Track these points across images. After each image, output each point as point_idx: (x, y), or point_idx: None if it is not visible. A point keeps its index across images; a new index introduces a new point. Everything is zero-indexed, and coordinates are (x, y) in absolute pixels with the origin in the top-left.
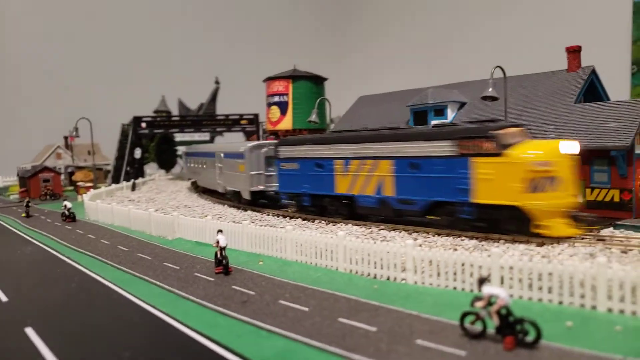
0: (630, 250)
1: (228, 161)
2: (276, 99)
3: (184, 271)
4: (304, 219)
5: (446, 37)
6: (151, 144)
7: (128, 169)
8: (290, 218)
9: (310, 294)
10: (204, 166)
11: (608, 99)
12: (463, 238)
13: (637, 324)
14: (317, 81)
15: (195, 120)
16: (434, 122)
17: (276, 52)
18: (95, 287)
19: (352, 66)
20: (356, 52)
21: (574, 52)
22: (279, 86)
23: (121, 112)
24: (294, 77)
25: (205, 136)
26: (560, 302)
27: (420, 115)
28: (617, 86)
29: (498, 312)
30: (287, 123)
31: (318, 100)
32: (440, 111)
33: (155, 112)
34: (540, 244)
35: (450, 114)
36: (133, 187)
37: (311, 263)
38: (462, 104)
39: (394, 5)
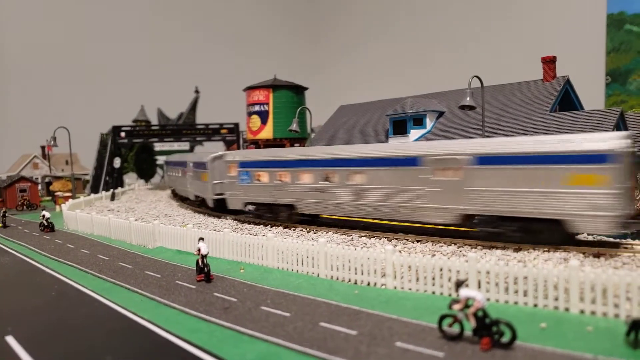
0: (602, 254)
1: (510, 170)
2: (256, 108)
3: (165, 279)
4: (285, 227)
5: (425, 47)
6: (130, 153)
7: (107, 178)
8: (272, 226)
9: (292, 300)
10: (337, 180)
11: (582, 109)
12: (442, 244)
13: (607, 324)
14: (298, 90)
15: (175, 130)
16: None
17: (256, 62)
18: (75, 295)
19: (332, 76)
20: (336, 62)
21: (549, 63)
22: (259, 95)
23: (100, 121)
24: (275, 86)
25: (185, 146)
26: (535, 305)
27: (399, 125)
28: (592, 96)
29: (475, 314)
30: (267, 132)
31: (299, 110)
32: (419, 120)
33: (134, 121)
34: (517, 250)
35: (429, 123)
36: (112, 197)
37: (292, 270)
38: (441, 113)
39: (374, 16)
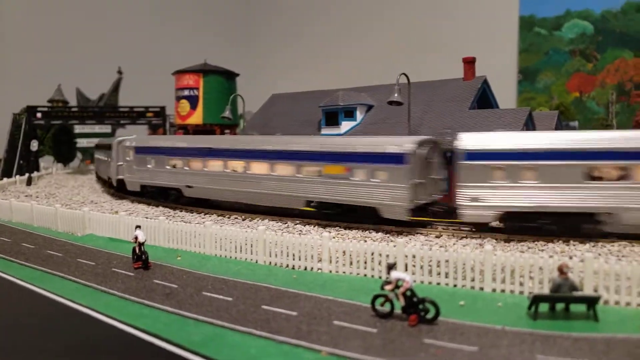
0: (511, 240)
1: (328, 165)
2: (186, 92)
3: (101, 267)
4: (219, 215)
5: (355, 42)
6: (46, 135)
7: (21, 162)
8: (205, 214)
9: (232, 285)
10: (216, 168)
11: (497, 105)
12: (371, 231)
13: (514, 300)
14: (229, 76)
15: (97, 112)
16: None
17: (185, 45)
18: (2, 285)
19: (263, 63)
20: (268, 50)
21: (469, 63)
22: (189, 80)
23: (10, 100)
24: (205, 71)
25: (107, 128)
26: (455, 285)
27: (331, 116)
28: (506, 92)
29: (404, 294)
30: (197, 117)
31: (232, 97)
32: (350, 113)
33: (50, 101)
34: (438, 236)
35: (359, 116)
36: (29, 182)
37: (230, 257)
38: (370, 107)
39: (305, 7)
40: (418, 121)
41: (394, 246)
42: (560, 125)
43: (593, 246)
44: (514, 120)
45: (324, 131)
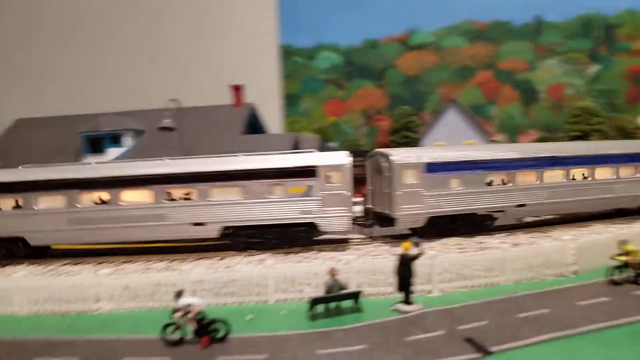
0: (290, 253)
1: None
2: None
3: None
4: None
5: (115, 64)
6: None
7: None
8: None
9: None
10: None
11: (265, 130)
12: (153, 261)
13: (295, 306)
14: None
15: None
16: None
17: None
18: None
19: (4, 85)
20: (11, 70)
21: (237, 90)
22: None
23: None
24: None
25: None
26: (242, 302)
27: (95, 143)
28: (274, 116)
29: (194, 319)
30: None
31: None
32: (116, 139)
33: None
34: (222, 258)
35: (128, 142)
36: None
37: None
38: (140, 132)
39: (58, 24)
40: (192, 146)
41: (179, 274)
42: (322, 147)
43: (356, 249)
44: (280, 144)
45: (88, 159)
